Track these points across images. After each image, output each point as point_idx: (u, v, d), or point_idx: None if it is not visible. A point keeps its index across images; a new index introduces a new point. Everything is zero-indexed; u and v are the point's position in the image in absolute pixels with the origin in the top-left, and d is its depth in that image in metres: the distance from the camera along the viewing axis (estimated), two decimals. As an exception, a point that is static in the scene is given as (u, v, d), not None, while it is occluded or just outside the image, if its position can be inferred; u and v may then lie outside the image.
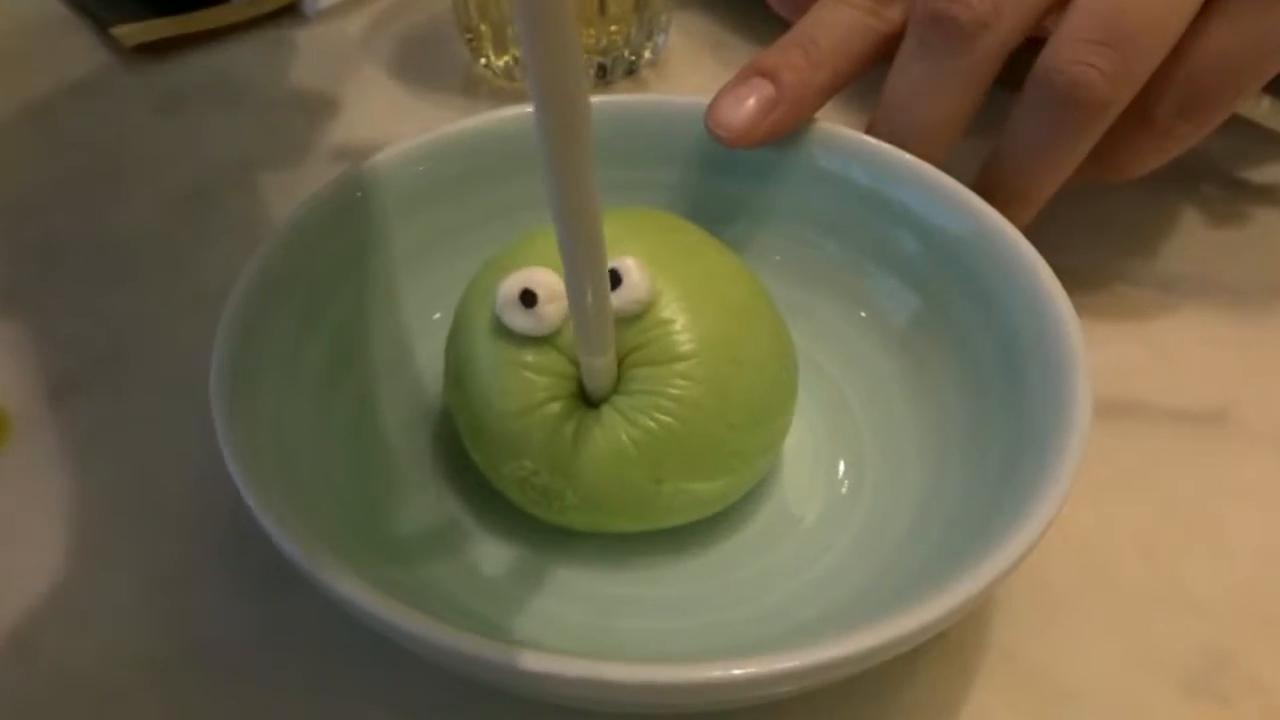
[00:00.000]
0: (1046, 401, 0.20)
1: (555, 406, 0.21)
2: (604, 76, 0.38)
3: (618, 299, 0.20)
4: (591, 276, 0.18)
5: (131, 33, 0.38)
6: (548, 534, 0.23)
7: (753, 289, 0.22)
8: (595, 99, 0.27)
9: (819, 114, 0.26)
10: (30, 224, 0.32)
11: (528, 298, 0.20)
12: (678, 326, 0.21)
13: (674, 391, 0.20)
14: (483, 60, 0.37)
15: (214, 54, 0.39)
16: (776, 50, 0.26)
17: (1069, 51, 0.24)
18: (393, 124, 0.35)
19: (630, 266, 0.20)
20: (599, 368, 0.20)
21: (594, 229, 0.17)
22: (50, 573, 0.23)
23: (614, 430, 0.20)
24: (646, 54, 0.38)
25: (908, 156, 0.25)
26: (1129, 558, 0.24)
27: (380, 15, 0.41)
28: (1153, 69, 0.24)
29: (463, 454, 0.23)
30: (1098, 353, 0.28)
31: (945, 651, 0.22)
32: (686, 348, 0.20)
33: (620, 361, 0.21)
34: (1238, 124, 0.30)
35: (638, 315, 0.20)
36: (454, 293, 0.23)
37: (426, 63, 0.38)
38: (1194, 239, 0.31)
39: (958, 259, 0.24)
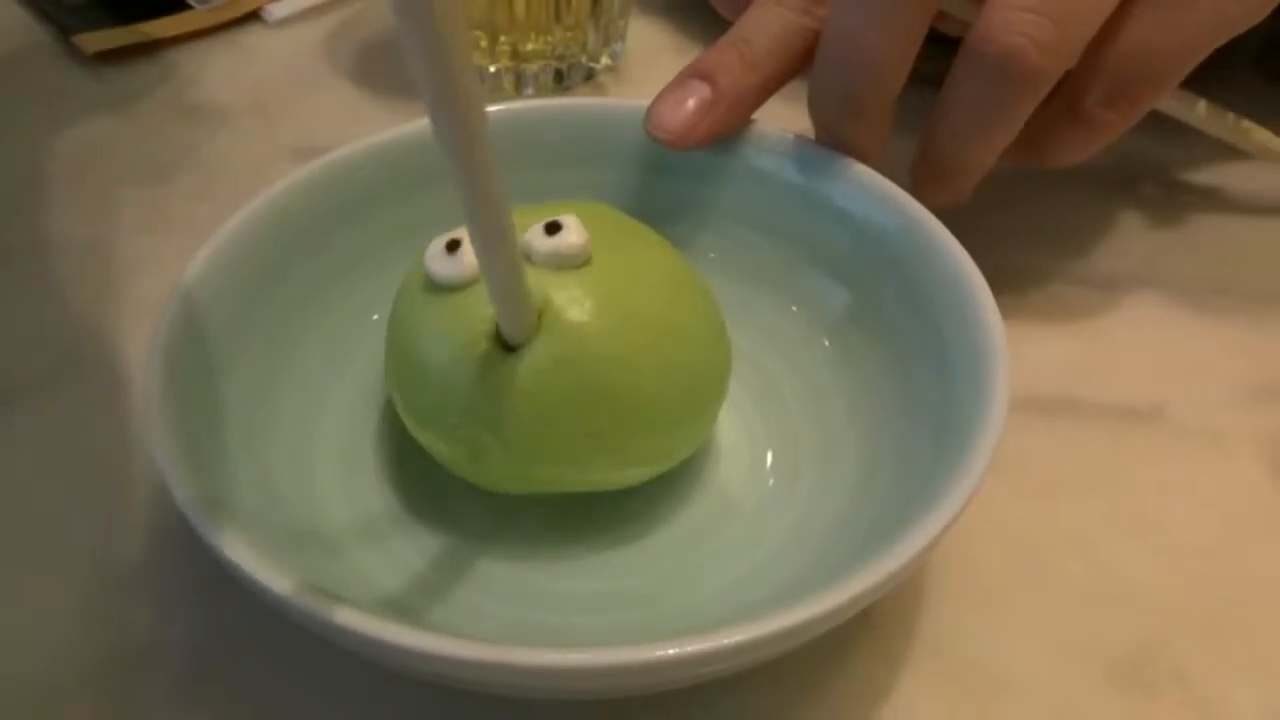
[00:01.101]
0: (969, 388, 0.21)
1: (476, 354, 0.21)
2: (561, 82, 0.38)
3: (556, 242, 0.21)
4: (500, 247, 0.18)
5: (92, 40, 0.38)
6: (486, 526, 0.23)
7: (690, 275, 0.23)
8: (523, 103, 0.27)
9: (759, 114, 0.27)
10: (-15, 229, 0.32)
11: (451, 245, 0.21)
12: (617, 285, 0.21)
13: (603, 344, 0.20)
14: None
15: (174, 61, 0.39)
16: (713, 52, 0.26)
17: (1001, 20, 0.24)
18: (352, 130, 0.35)
19: (569, 219, 0.21)
20: (513, 315, 0.20)
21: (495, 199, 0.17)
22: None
23: (537, 376, 0.20)
24: (604, 60, 0.39)
25: (838, 155, 0.25)
26: (1063, 552, 0.24)
27: (341, 24, 0.41)
28: (1086, 40, 0.24)
29: (404, 448, 0.23)
30: (1037, 351, 0.28)
31: (875, 641, 0.22)
32: (626, 304, 0.21)
33: (553, 309, 0.21)
34: (1177, 127, 0.31)
35: (575, 265, 0.21)
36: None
37: (386, 71, 0.39)
38: (1133, 240, 0.32)
39: (886, 253, 0.24)
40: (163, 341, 0.21)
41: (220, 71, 0.38)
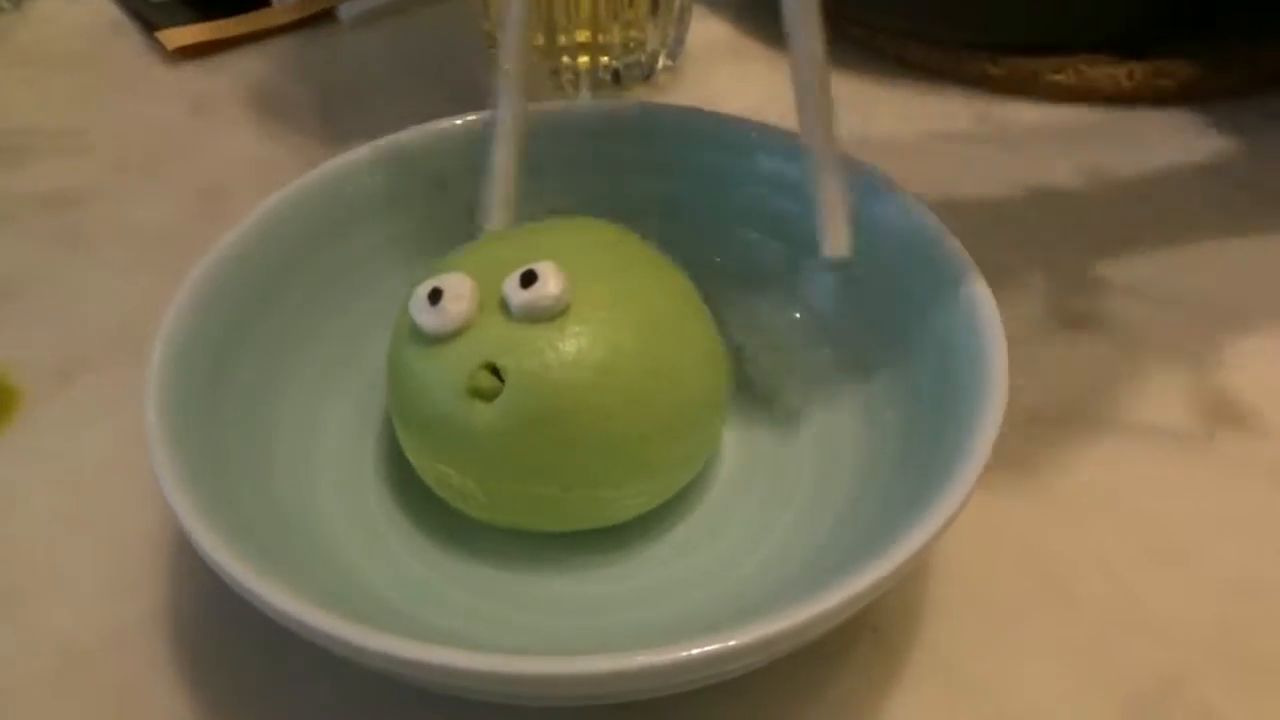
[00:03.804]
0: (968, 395, 0.20)
1: (457, 408, 0.21)
2: (618, 81, 0.38)
3: (530, 295, 0.20)
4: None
5: (174, 35, 0.40)
6: (491, 534, 0.23)
7: (683, 305, 0.23)
8: (546, 105, 0.27)
9: (758, 111, 0.26)
10: (63, 212, 0.34)
11: (434, 295, 0.21)
12: (592, 334, 0.21)
13: (579, 397, 0.20)
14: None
15: (249, 57, 0.40)
16: None
17: None
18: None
19: (546, 268, 0.21)
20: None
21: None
22: (40, 539, 0.25)
23: (515, 435, 0.21)
24: (663, 60, 0.39)
25: (846, 157, 0.25)
26: (1089, 575, 0.23)
27: (413, 24, 0.42)
28: None
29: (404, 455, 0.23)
30: (1083, 364, 0.27)
31: (879, 656, 0.22)
32: (599, 355, 0.21)
33: (527, 366, 0.21)
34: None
35: (551, 315, 0.21)
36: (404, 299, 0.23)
37: (453, 71, 0.39)
38: (1202, 252, 0.30)
39: (891, 256, 0.24)
40: (165, 348, 0.22)
41: (291, 67, 0.40)
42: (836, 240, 0.22)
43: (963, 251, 0.23)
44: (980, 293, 0.22)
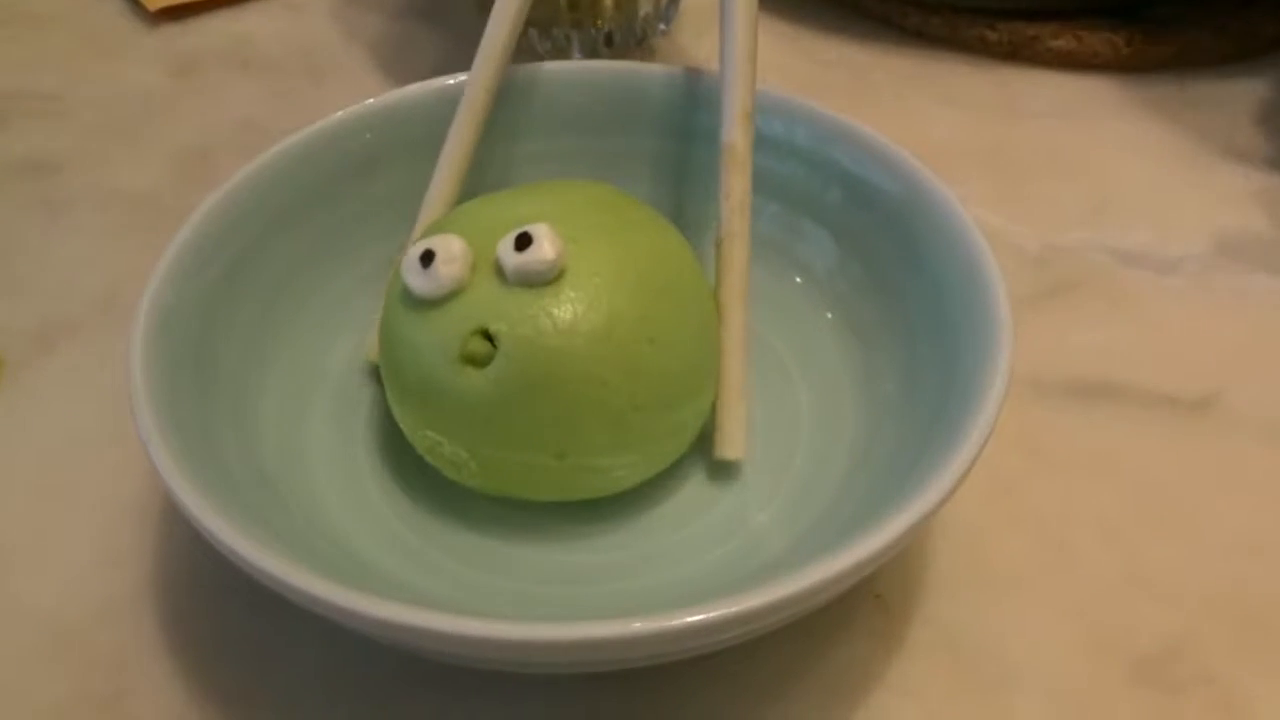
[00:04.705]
0: (971, 359, 0.20)
1: (449, 375, 0.20)
2: (610, 45, 0.37)
3: (525, 258, 0.20)
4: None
5: (155, -4, 0.39)
6: (483, 501, 0.23)
7: (680, 269, 0.22)
8: (548, 65, 0.27)
9: (766, 81, 0.26)
10: (41, 178, 0.33)
11: (426, 257, 0.20)
12: (588, 300, 0.20)
13: (573, 366, 0.20)
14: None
15: (232, 18, 0.39)
16: None
17: None
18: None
19: (541, 231, 0.20)
20: None
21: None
22: (23, 510, 0.24)
23: (507, 402, 0.20)
24: (660, 24, 0.38)
25: (844, 120, 0.25)
26: (1089, 540, 0.23)
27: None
28: None
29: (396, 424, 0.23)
30: (1087, 334, 0.27)
31: (880, 623, 0.22)
32: (595, 321, 0.20)
33: (520, 331, 0.20)
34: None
35: (546, 280, 0.20)
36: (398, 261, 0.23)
37: (442, 30, 0.38)
38: (1196, 217, 0.30)
39: (890, 220, 0.24)
40: (153, 299, 0.21)
41: (275, 29, 0.39)
42: (732, 442, 0.22)
43: (964, 213, 0.22)
44: (982, 254, 0.22)
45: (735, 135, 0.24)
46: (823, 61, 0.37)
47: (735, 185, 0.23)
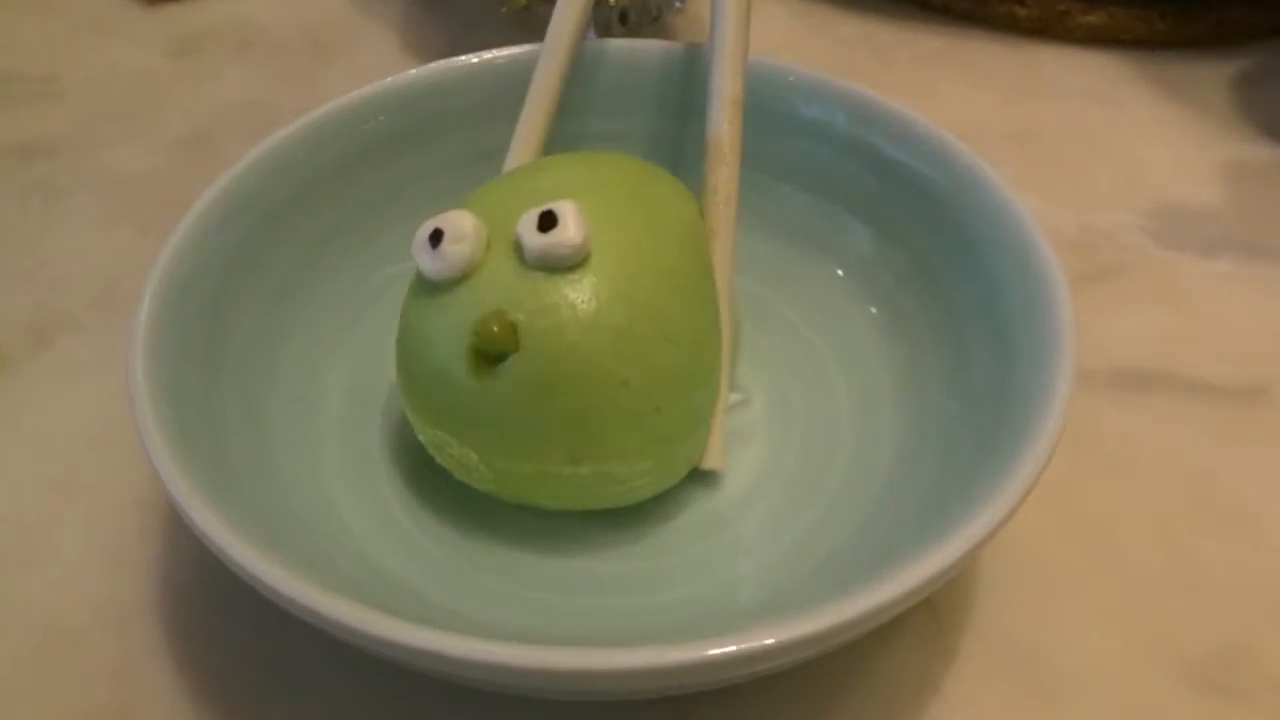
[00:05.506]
0: (1031, 364, 0.19)
1: (458, 371, 0.19)
2: (625, 22, 0.36)
3: (548, 240, 0.18)
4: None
5: (152, -23, 0.38)
6: (501, 508, 0.21)
7: (699, 260, 0.21)
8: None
9: (795, 56, 0.25)
10: (35, 163, 0.32)
11: (435, 237, 0.19)
12: (612, 291, 0.18)
13: (593, 364, 0.18)
14: (503, 9, 0.36)
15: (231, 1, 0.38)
16: None
17: None
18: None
19: (567, 209, 0.18)
20: None
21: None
22: (19, 508, 0.23)
23: (521, 403, 0.18)
24: (675, 1, 0.37)
25: (890, 104, 0.23)
26: (1144, 540, 0.22)
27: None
28: None
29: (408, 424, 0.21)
30: (1131, 321, 0.26)
31: (929, 629, 0.20)
32: (619, 316, 0.18)
33: (539, 327, 0.18)
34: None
35: (569, 265, 0.18)
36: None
37: (446, 12, 0.37)
38: (1249, 201, 0.29)
39: (940, 211, 0.22)
40: (156, 289, 0.20)
41: (275, 9, 0.38)
42: (712, 453, 0.21)
43: (1016, 199, 0.21)
44: (1036, 241, 0.20)
45: (721, 128, 0.22)
46: (843, 39, 0.35)
47: (721, 181, 0.22)
